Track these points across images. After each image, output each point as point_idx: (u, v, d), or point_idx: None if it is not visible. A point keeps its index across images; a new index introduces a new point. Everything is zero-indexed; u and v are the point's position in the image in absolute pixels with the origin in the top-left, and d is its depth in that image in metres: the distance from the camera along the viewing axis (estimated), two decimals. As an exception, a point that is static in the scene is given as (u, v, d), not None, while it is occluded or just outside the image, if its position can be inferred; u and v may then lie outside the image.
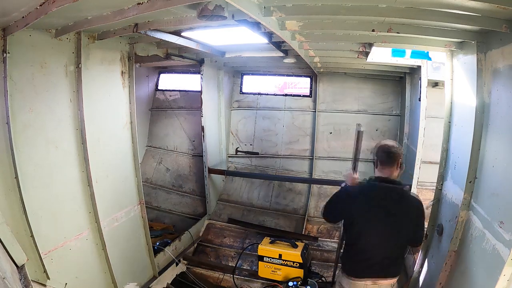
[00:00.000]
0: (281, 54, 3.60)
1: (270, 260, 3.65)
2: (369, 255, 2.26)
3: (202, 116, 4.69)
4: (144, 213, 3.32)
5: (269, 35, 2.77)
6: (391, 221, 2.19)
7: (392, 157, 2.24)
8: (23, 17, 1.86)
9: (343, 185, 2.46)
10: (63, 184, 2.50)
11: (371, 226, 2.23)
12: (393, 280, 2.30)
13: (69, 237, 2.51)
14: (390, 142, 2.35)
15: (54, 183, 2.43)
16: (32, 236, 2.19)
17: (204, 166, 4.92)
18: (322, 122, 5.34)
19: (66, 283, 2.42)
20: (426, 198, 4.31)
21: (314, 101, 5.37)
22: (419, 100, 3.75)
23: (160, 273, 3.60)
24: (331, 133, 5.31)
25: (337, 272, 2.57)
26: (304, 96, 5.48)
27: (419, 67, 3.65)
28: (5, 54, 2.01)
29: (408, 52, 3.35)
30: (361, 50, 3.00)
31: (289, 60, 4.02)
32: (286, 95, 5.54)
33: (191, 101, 5.71)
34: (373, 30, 2.12)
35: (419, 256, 3.07)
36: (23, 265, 1.86)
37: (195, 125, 5.60)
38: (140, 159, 3.99)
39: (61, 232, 2.46)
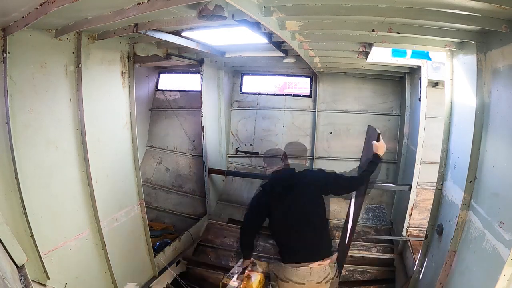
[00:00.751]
0: (281, 54, 3.60)
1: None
2: (292, 245, 2.39)
3: (202, 116, 4.69)
4: (144, 213, 3.32)
5: (269, 35, 2.77)
6: (293, 204, 2.40)
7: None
8: (23, 17, 1.86)
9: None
10: (63, 184, 2.50)
11: (281, 218, 2.42)
12: (325, 262, 2.37)
13: (69, 237, 2.51)
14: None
15: (54, 183, 2.43)
16: (32, 236, 2.20)
17: (204, 166, 4.92)
18: (322, 122, 5.34)
19: (66, 283, 2.42)
20: (426, 198, 4.32)
21: (314, 101, 5.37)
22: (419, 100, 3.75)
23: (160, 273, 3.60)
24: (331, 133, 5.31)
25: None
26: (304, 96, 5.48)
27: (419, 67, 3.65)
28: (5, 54, 2.01)
29: (409, 52, 3.35)
30: (361, 50, 2.99)
31: (289, 60, 4.02)
32: (286, 95, 5.54)
33: (191, 101, 5.71)
34: (373, 30, 2.12)
35: (419, 256, 3.07)
36: (23, 265, 1.86)
37: (195, 125, 5.60)
38: (140, 159, 3.99)
39: (61, 232, 2.46)
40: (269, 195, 2.48)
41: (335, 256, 2.48)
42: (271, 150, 2.96)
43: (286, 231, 2.43)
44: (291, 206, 2.41)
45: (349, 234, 2.79)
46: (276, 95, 5.60)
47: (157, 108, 6.05)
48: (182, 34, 2.84)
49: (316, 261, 2.36)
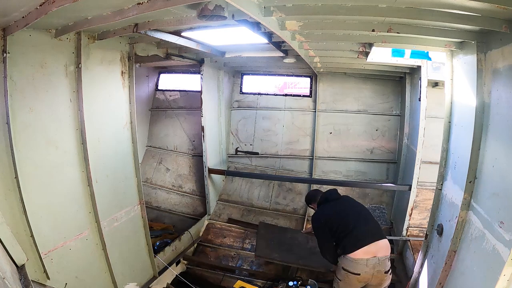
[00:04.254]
0: (281, 54, 3.60)
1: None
2: (355, 232, 2.74)
3: (202, 116, 4.69)
4: (144, 213, 3.32)
5: (269, 35, 2.77)
6: (344, 201, 3.05)
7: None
8: (23, 17, 1.86)
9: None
10: (63, 184, 2.50)
11: (345, 218, 2.85)
12: (386, 241, 2.76)
13: (69, 237, 2.51)
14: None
15: (54, 183, 2.43)
16: (32, 236, 2.20)
17: (204, 166, 4.92)
18: (322, 122, 5.34)
19: (66, 283, 2.42)
20: (426, 198, 4.32)
21: (314, 101, 5.38)
22: (419, 100, 3.75)
23: (160, 273, 3.60)
24: (331, 133, 5.31)
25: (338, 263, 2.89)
26: (304, 96, 5.48)
27: (419, 67, 3.66)
28: (5, 54, 2.01)
29: (407, 52, 3.35)
30: (361, 50, 3.00)
31: (289, 60, 4.02)
32: (286, 95, 5.54)
33: (191, 101, 5.71)
34: (373, 30, 2.12)
35: (419, 256, 3.07)
36: (23, 265, 1.86)
37: (195, 125, 5.60)
38: (140, 159, 4.00)
39: (61, 232, 2.46)
40: (324, 213, 2.98)
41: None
42: (310, 193, 3.37)
43: (346, 227, 2.78)
44: (342, 208, 2.95)
45: None
46: (276, 95, 5.61)
47: (157, 108, 6.05)
48: (182, 34, 2.84)
49: (379, 239, 2.72)
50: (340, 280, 2.79)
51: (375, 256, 2.64)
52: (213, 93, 5.08)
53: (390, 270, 2.76)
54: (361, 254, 2.65)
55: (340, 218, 2.85)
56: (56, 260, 2.38)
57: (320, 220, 2.94)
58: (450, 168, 2.59)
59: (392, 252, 4.19)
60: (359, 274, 2.67)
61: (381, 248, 2.69)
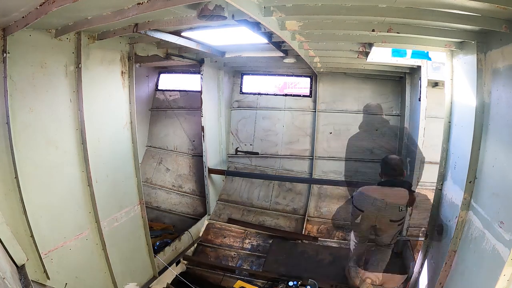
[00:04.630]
0: (281, 54, 3.60)
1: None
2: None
3: (202, 116, 4.69)
4: (144, 213, 3.31)
5: (269, 35, 2.77)
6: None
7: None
8: (23, 17, 1.86)
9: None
10: (63, 184, 2.50)
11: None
12: (404, 192, 2.91)
13: (69, 237, 2.51)
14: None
15: (54, 183, 2.43)
16: (32, 236, 2.20)
17: (204, 166, 4.92)
18: (322, 122, 5.34)
19: (66, 283, 2.42)
20: (426, 198, 4.32)
21: (314, 101, 5.37)
22: (419, 100, 3.75)
23: (160, 273, 3.60)
24: (331, 133, 5.31)
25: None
26: (304, 96, 5.47)
27: (419, 67, 3.66)
28: (5, 54, 2.01)
29: (409, 52, 3.35)
30: (361, 50, 2.99)
31: (289, 60, 4.02)
32: (286, 95, 5.54)
33: (191, 101, 5.71)
34: (373, 30, 2.12)
35: (419, 256, 3.07)
36: (23, 265, 1.86)
37: (195, 125, 5.60)
38: (140, 159, 4.00)
39: (61, 232, 2.46)
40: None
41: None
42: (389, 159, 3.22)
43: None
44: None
45: None
46: (276, 95, 5.60)
47: (157, 108, 6.05)
48: (182, 34, 2.84)
49: (396, 186, 2.88)
50: (352, 215, 3.08)
51: (383, 199, 2.78)
52: (213, 93, 5.08)
53: (401, 222, 2.92)
54: (372, 191, 2.84)
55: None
56: (56, 260, 2.38)
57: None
58: (450, 168, 2.59)
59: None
60: (362, 211, 2.92)
61: (394, 196, 2.83)
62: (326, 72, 5.06)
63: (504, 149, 1.84)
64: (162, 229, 4.71)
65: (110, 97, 2.90)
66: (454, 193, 2.43)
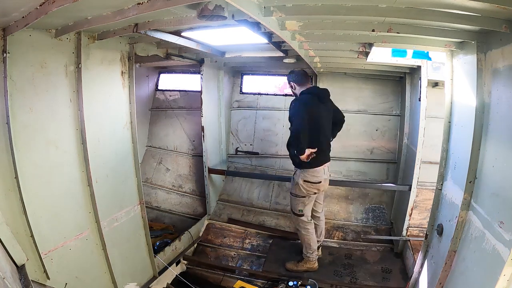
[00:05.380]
0: (281, 54, 3.60)
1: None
2: (323, 147, 3.23)
3: (202, 116, 4.69)
4: (144, 213, 3.32)
5: (269, 35, 2.77)
6: (328, 112, 3.36)
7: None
8: (23, 17, 1.86)
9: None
10: (63, 184, 2.50)
11: (323, 121, 3.23)
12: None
13: (69, 237, 2.51)
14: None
15: (54, 183, 2.43)
16: (32, 236, 2.20)
17: (204, 166, 4.92)
18: (322, 122, 5.33)
19: (66, 283, 2.42)
20: (426, 198, 4.32)
21: (314, 101, 5.37)
22: (419, 100, 3.74)
23: (160, 273, 3.60)
24: (331, 133, 5.30)
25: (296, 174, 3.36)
26: (304, 96, 5.47)
27: (419, 67, 3.65)
28: (5, 54, 2.01)
29: (409, 52, 3.35)
30: (361, 50, 2.99)
31: (289, 60, 4.02)
32: (286, 95, 5.53)
33: (191, 101, 5.70)
34: (373, 30, 2.12)
35: (419, 256, 3.07)
36: (23, 265, 1.86)
37: (195, 125, 5.60)
38: (140, 159, 4.00)
39: (61, 232, 2.46)
40: (312, 101, 3.15)
41: None
42: (299, 71, 3.44)
43: (318, 134, 3.15)
44: (324, 114, 3.22)
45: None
46: (276, 95, 5.60)
47: (157, 108, 6.05)
48: (182, 34, 2.84)
49: (329, 161, 3.41)
50: (303, 197, 3.33)
51: (325, 165, 3.30)
52: (213, 93, 5.08)
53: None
54: (320, 166, 3.25)
55: (318, 127, 3.15)
56: (56, 260, 2.38)
57: (306, 108, 3.07)
58: (450, 168, 2.59)
59: (392, 252, 4.26)
60: (320, 182, 3.24)
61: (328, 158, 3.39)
62: (326, 72, 5.06)
63: (504, 149, 1.84)
64: (162, 229, 4.71)
65: (110, 97, 2.90)
66: (454, 193, 2.43)
